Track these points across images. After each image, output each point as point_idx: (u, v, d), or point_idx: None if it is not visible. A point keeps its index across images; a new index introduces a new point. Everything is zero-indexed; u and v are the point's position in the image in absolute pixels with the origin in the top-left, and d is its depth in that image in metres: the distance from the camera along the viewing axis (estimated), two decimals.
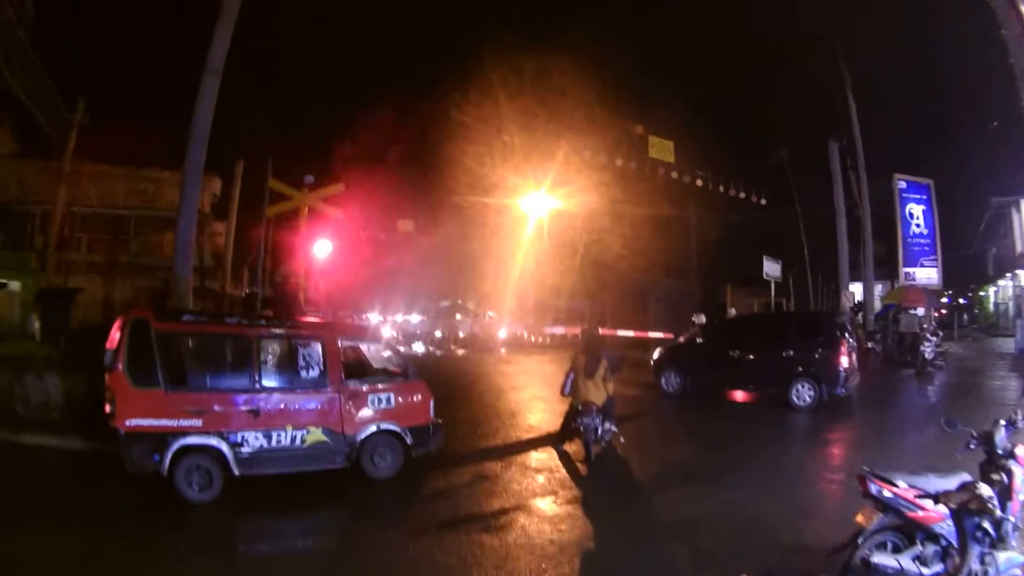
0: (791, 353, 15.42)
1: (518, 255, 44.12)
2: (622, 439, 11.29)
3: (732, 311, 27.44)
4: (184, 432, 8.40)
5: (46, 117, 22.82)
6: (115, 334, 8.60)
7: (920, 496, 5.18)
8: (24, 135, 26.23)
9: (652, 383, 17.38)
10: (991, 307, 40.78)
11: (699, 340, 17.77)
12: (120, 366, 8.33)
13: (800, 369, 15.03)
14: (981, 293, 42.61)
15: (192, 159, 14.69)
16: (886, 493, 5.18)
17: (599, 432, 10.55)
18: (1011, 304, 34.85)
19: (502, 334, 34.25)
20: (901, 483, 5.21)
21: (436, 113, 35.01)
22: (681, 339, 19.81)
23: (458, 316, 41.74)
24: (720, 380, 16.60)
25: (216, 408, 8.66)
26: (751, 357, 16.06)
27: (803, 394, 14.82)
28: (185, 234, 14.91)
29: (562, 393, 11.22)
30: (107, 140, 27.67)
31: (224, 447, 8.55)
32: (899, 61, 30.49)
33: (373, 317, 38.36)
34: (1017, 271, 31.66)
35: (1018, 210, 31.40)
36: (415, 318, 40.27)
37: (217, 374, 9.06)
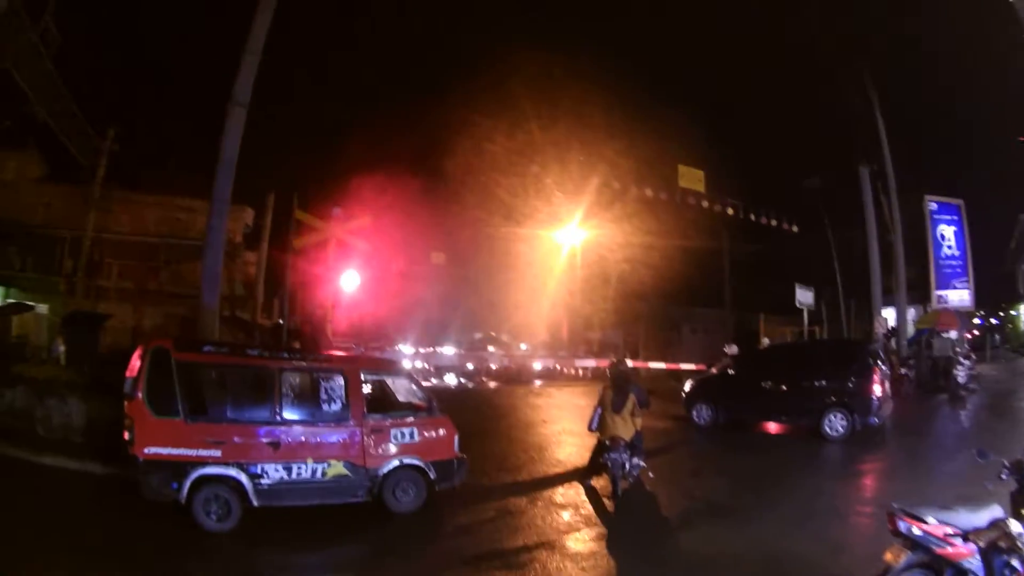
0: (823, 383, 15.09)
1: (550, 286, 44.04)
2: (651, 474, 11.03)
3: (765, 341, 27.00)
4: (203, 462, 8.39)
5: (74, 143, 23.15)
6: (135, 362, 8.64)
7: (950, 535, 4.98)
8: (53, 159, 26.52)
9: (683, 415, 17.08)
10: (1022, 326, 39.74)
11: (730, 371, 17.44)
12: (139, 394, 8.36)
13: (832, 399, 14.72)
14: (1012, 312, 41.53)
15: (219, 190, 14.84)
16: (915, 530, 5.03)
17: (627, 467, 10.31)
18: None
19: (535, 366, 33.91)
20: (931, 519, 5.04)
21: (467, 144, 35.16)
22: (713, 370, 19.49)
23: (491, 348, 41.56)
24: (752, 412, 16.32)
25: (236, 439, 8.65)
26: (783, 388, 15.70)
27: (835, 424, 14.48)
28: (212, 264, 15.01)
29: (589, 429, 11.03)
30: (139, 168, 28.12)
31: (243, 478, 8.51)
32: (926, 79, 30.21)
33: (405, 349, 38.24)
34: None
35: None
36: (448, 350, 40.07)
37: (237, 405, 9.05)
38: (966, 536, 5.00)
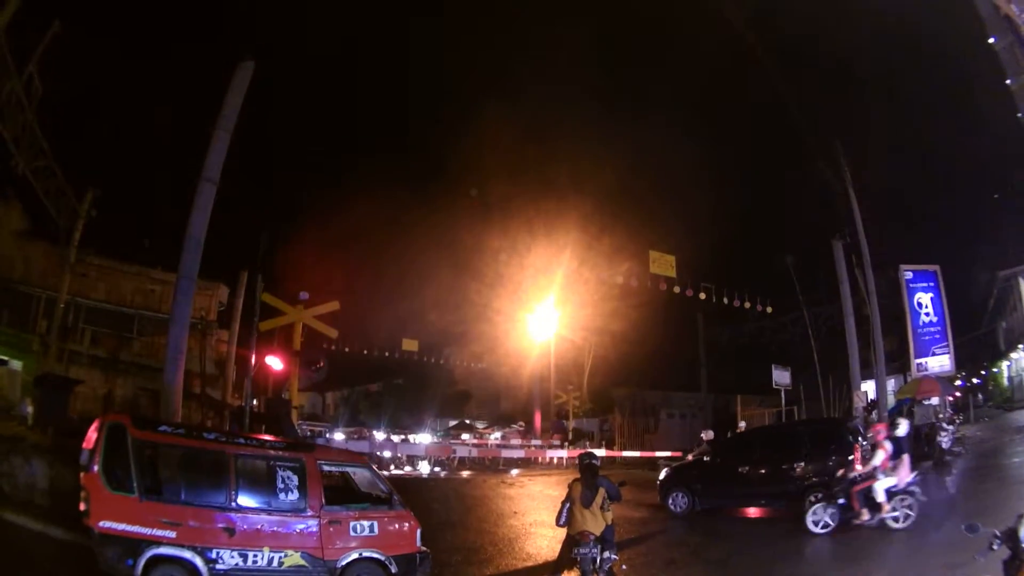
0: (802, 464, 14.89)
1: (525, 374, 43.95)
2: (623, 566, 10.70)
3: (742, 424, 26.79)
4: (158, 542, 8.27)
5: (53, 203, 22.85)
6: (92, 435, 8.54)
7: None
8: (34, 214, 26.03)
9: (659, 504, 16.73)
10: (1005, 382, 39.58)
11: (706, 458, 17.16)
12: (96, 468, 8.29)
13: (813, 480, 14.45)
14: (994, 369, 41.41)
15: (185, 267, 14.70)
16: None
17: (597, 562, 9.86)
18: None
19: (509, 455, 33.31)
20: None
21: (438, 234, 35.66)
22: (689, 457, 19.24)
23: (465, 436, 41.04)
24: (729, 498, 16.05)
25: (191, 523, 8.48)
26: (761, 471, 15.49)
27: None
28: (176, 341, 14.69)
29: (557, 523, 10.60)
30: (116, 235, 27.95)
31: (198, 562, 8.36)
32: (896, 150, 30.92)
33: (377, 436, 37.77)
34: None
35: None
36: (422, 437, 39.53)
37: (193, 488, 8.83)
38: None
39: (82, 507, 8.33)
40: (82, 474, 8.44)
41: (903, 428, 13.25)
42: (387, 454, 30.27)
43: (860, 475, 12.75)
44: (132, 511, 8.24)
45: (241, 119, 15.27)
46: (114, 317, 29.67)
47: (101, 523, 8.12)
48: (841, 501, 12.71)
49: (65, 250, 24.86)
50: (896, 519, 12.31)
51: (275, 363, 30.16)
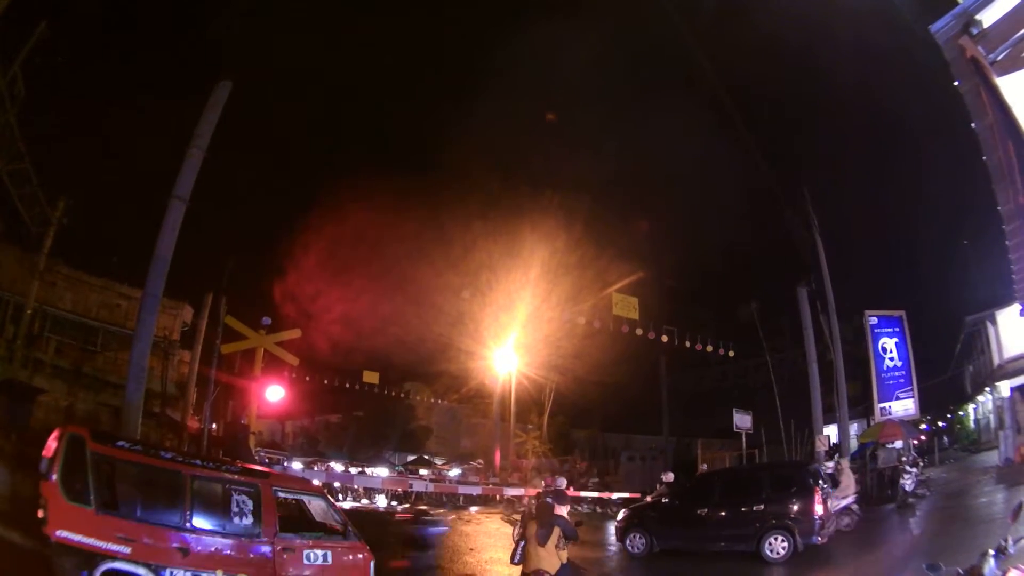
0: (762, 506, 14.85)
1: (485, 412, 43.85)
2: None
3: (703, 467, 26.92)
4: (112, 556, 8.16)
5: (26, 208, 22.48)
6: (51, 443, 8.49)
7: None
8: (7, 217, 25.57)
9: (617, 545, 16.66)
10: (971, 424, 39.94)
11: (665, 499, 17.17)
12: (54, 476, 8.21)
13: (773, 521, 14.46)
14: (960, 412, 41.81)
15: (151, 284, 14.57)
16: None
17: None
18: (992, 417, 34.07)
19: (467, 491, 33.09)
20: None
21: (403, 269, 35.75)
22: (648, 498, 19.23)
23: (423, 472, 40.78)
24: (688, 539, 15.93)
25: (146, 540, 8.39)
26: (721, 513, 15.44)
27: (776, 546, 14.19)
28: (139, 358, 14.51)
29: (512, 562, 10.56)
30: (85, 246, 27.56)
31: None
32: (866, 197, 31.45)
33: (336, 467, 37.47)
34: (996, 383, 31.03)
35: (993, 323, 30.89)
36: (380, 471, 39.19)
37: (148, 506, 8.72)
38: None
39: (40, 514, 8.23)
40: (41, 482, 8.36)
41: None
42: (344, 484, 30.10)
43: None
44: (88, 523, 8.15)
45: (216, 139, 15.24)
46: (79, 328, 29.23)
47: (58, 532, 8.03)
48: None
49: (35, 256, 24.53)
50: None
51: (276, 394, 29.89)
